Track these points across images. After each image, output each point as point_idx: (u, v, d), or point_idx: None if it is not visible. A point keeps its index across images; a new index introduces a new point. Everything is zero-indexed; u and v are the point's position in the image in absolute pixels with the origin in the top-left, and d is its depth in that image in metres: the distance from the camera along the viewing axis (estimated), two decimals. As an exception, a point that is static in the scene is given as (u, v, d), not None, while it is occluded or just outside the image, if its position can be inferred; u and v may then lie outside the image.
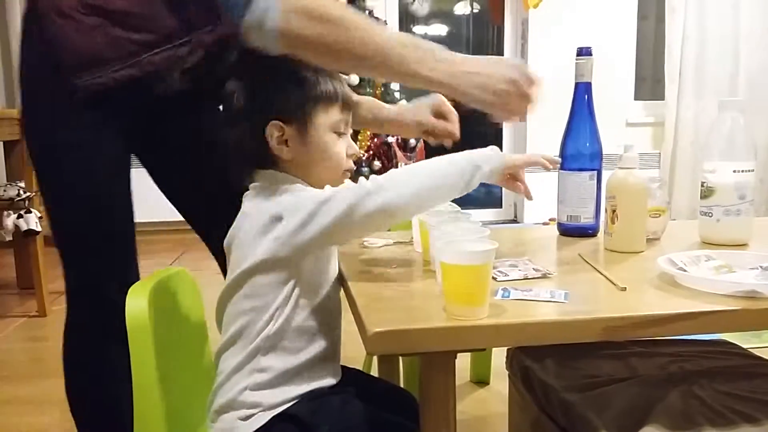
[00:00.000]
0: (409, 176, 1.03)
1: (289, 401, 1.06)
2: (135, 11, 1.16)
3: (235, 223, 1.09)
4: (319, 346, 1.09)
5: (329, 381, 1.11)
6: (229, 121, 1.13)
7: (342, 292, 1.13)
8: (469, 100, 1.14)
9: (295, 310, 1.06)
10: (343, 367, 1.18)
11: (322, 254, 1.09)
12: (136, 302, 1.04)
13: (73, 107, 1.19)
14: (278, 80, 1.11)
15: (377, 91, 4.18)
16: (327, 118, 1.12)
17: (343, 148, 1.14)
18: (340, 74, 1.17)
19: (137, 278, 1.28)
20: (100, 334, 1.29)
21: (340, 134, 1.14)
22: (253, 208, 1.07)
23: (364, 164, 4.23)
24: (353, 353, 1.38)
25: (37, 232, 2.87)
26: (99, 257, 1.29)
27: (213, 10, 1.14)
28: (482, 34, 5.69)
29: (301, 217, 0.99)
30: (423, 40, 1.13)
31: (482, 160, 1.07)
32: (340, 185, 1.07)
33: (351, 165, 1.16)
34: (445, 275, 0.89)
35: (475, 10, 5.59)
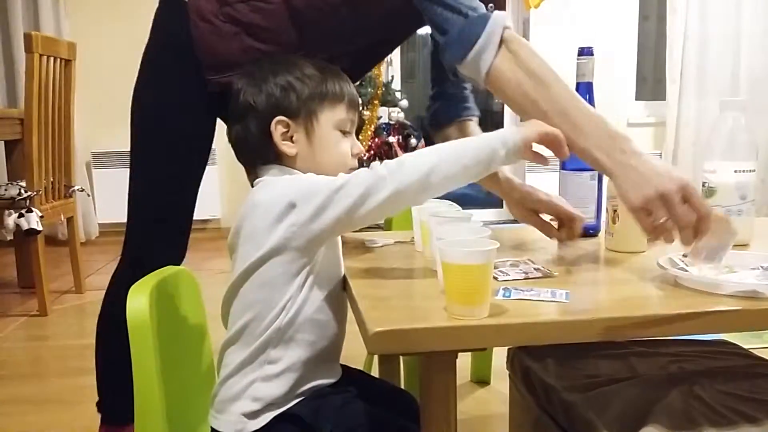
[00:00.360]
0: (422, 162, 1.00)
1: (293, 399, 1.06)
2: (264, 25, 1.31)
3: (239, 219, 1.08)
4: (327, 339, 1.09)
5: (331, 378, 1.11)
6: (236, 117, 1.14)
7: None
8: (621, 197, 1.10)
9: (306, 302, 1.06)
10: (344, 367, 1.18)
11: (334, 245, 1.11)
12: (137, 301, 1.04)
13: (193, 95, 1.36)
14: (284, 76, 1.12)
15: (378, 91, 4.19)
16: (332, 116, 1.14)
17: (348, 147, 1.16)
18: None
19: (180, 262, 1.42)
20: None
21: (345, 133, 1.15)
22: (266, 196, 1.06)
23: (365, 164, 4.23)
24: (354, 352, 1.38)
25: (38, 232, 2.87)
26: (162, 231, 1.46)
27: (328, 35, 1.32)
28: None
29: (316, 204, 1.00)
30: (611, 125, 1.12)
31: (499, 144, 1.03)
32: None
33: (355, 164, 1.16)
34: (446, 275, 0.89)
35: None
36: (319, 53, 1.23)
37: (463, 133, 1.52)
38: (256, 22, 1.30)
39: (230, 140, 1.16)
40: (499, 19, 1.16)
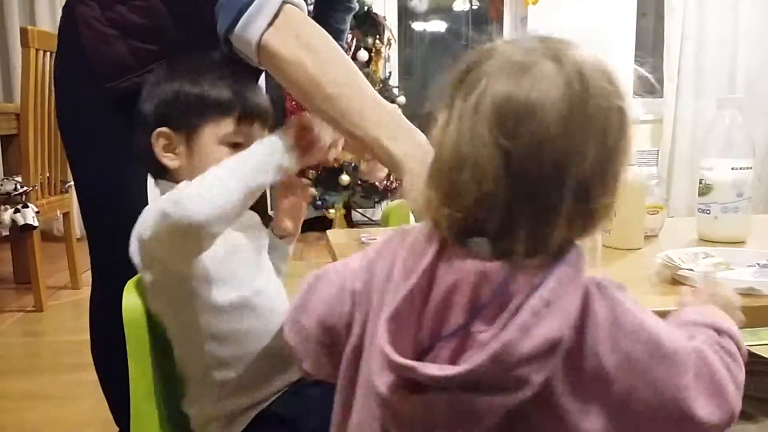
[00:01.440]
0: (209, 186, 0.90)
1: (268, 398, 1.04)
2: (144, 23, 1.24)
3: None
4: (268, 344, 1.03)
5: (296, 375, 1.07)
6: (135, 126, 1.09)
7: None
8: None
9: (215, 321, 1.01)
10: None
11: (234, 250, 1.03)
12: (132, 298, 1.03)
13: (103, 107, 1.28)
14: (174, 84, 1.06)
15: (375, 88, 4.17)
16: (216, 129, 1.05)
17: None
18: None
19: None
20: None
21: (234, 145, 1.05)
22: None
23: (352, 161, 4.23)
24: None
25: (34, 227, 2.86)
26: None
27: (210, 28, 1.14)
28: (481, 31, 5.68)
29: (148, 237, 0.93)
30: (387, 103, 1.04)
31: (276, 152, 0.97)
32: None
33: None
34: None
35: (474, 7, 5.58)
36: (214, 49, 1.13)
37: None
38: (137, 21, 1.24)
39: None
40: None
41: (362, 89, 1.02)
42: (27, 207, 2.84)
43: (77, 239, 3.36)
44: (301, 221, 1.22)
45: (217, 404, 1.03)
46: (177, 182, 1.02)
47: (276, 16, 1.02)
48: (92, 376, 2.29)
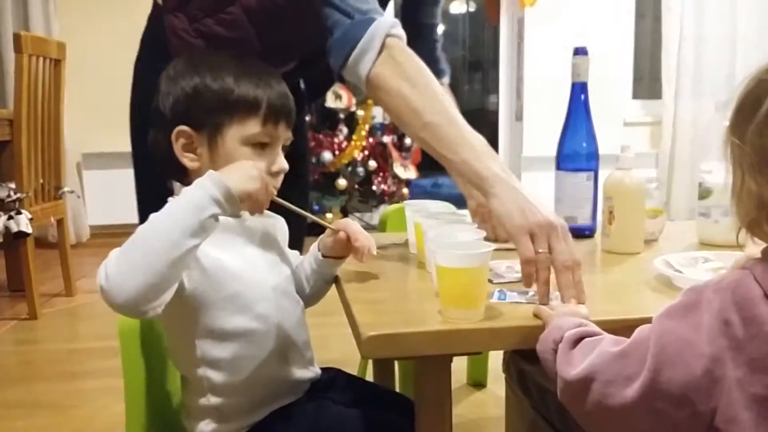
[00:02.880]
0: (143, 257, 0.84)
1: (260, 415, 1.03)
2: (228, 36, 1.27)
3: None
4: (265, 374, 1.02)
5: (293, 396, 1.06)
6: (151, 122, 1.05)
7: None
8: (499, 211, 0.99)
9: (213, 364, 0.99)
10: (332, 371, 1.16)
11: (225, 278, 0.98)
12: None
13: None
14: (193, 79, 1.01)
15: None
16: (241, 130, 1.00)
17: (262, 165, 1.00)
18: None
19: None
20: None
21: (259, 147, 1.02)
22: None
23: (359, 164, 4.22)
24: (348, 356, 1.37)
25: (28, 234, 2.83)
26: None
27: (284, 39, 1.29)
28: (478, 33, 5.69)
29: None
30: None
31: (207, 200, 0.87)
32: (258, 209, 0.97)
33: (275, 183, 1.03)
34: (440, 278, 0.87)
35: (471, 9, 5.58)
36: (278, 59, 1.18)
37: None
38: (222, 34, 1.26)
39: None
40: (383, 23, 1.09)
41: (455, 117, 1.06)
42: (20, 214, 2.82)
43: (71, 246, 3.34)
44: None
45: (212, 425, 1.02)
46: None
47: (381, 50, 1.09)
48: (87, 384, 2.28)
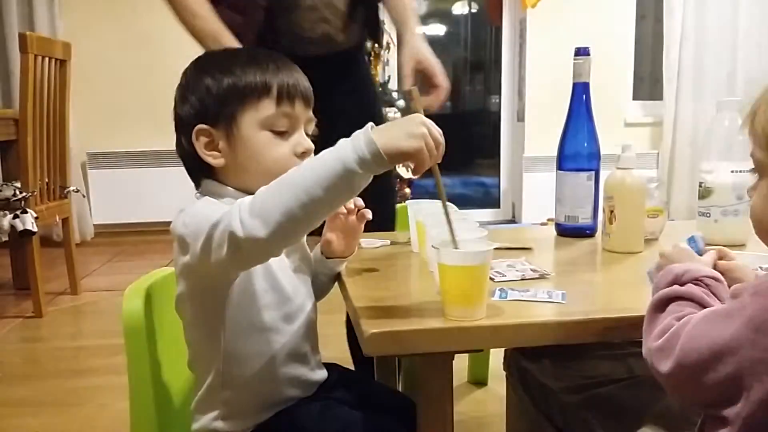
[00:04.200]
0: (278, 195, 0.83)
1: (265, 416, 1.04)
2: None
3: None
4: (280, 370, 1.03)
5: (302, 393, 1.07)
6: (175, 130, 1.05)
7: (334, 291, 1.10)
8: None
9: (236, 345, 1.00)
10: (336, 368, 1.17)
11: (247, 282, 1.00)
12: (132, 304, 1.03)
13: None
14: (203, 80, 1.01)
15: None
16: (256, 114, 1.00)
17: (286, 148, 1.01)
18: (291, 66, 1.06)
19: None
20: None
21: (280, 133, 1.01)
22: (174, 228, 0.94)
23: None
24: (348, 353, 1.38)
25: (33, 233, 2.85)
26: None
27: None
28: (480, 34, 5.69)
29: (199, 245, 0.87)
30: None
31: (352, 158, 0.81)
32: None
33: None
34: (442, 277, 0.88)
35: (473, 10, 5.58)
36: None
37: None
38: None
39: None
40: None
41: None
42: (26, 213, 2.84)
43: (76, 244, 3.35)
44: (355, 245, 1.14)
45: (217, 422, 1.03)
46: (223, 182, 1.02)
47: None
48: (92, 381, 2.29)
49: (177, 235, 0.93)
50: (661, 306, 0.79)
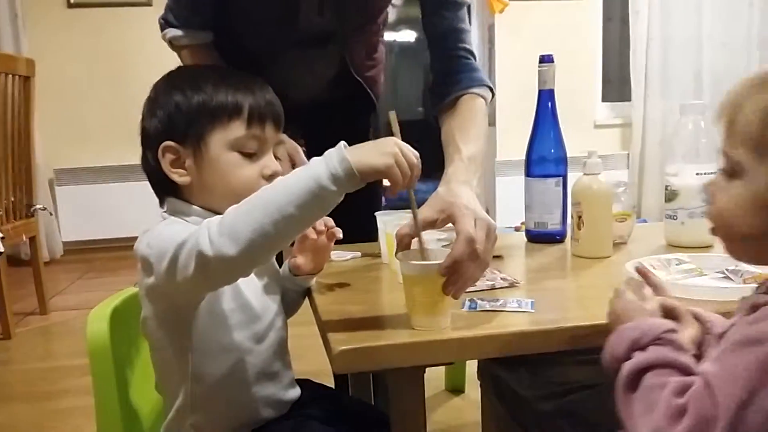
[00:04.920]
0: (249, 214, 0.81)
1: None
2: None
3: None
4: (251, 393, 1.02)
5: (275, 413, 1.05)
6: (141, 144, 1.03)
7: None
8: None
9: (204, 366, 0.98)
10: (310, 384, 1.15)
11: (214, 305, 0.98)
12: (96, 327, 1.01)
13: None
14: (173, 96, 1.00)
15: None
16: (225, 134, 0.98)
17: (254, 170, 1.00)
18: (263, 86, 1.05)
19: None
20: None
21: (249, 154, 1.00)
22: (137, 249, 0.92)
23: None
24: (323, 366, 1.36)
25: (0, 253, 2.80)
26: None
27: None
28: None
29: (165, 266, 0.86)
30: None
31: (325, 175, 0.80)
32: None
33: None
34: (405, 286, 0.88)
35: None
36: None
37: (470, 114, 1.31)
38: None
39: None
40: None
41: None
42: (-8, 232, 2.78)
43: (45, 263, 3.29)
44: (324, 262, 1.13)
45: None
46: (188, 201, 1.00)
47: None
48: (64, 403, 2.25)
49: (140, 256, 0.91)
50: (634, 383, 0.70)
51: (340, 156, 0.80)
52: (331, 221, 1.08)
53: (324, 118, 1.50)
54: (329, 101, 1.51)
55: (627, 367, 0.71)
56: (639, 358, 0.70)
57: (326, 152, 0.82)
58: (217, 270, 0.82)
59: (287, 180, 0.82)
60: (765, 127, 0.69)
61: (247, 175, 0.99)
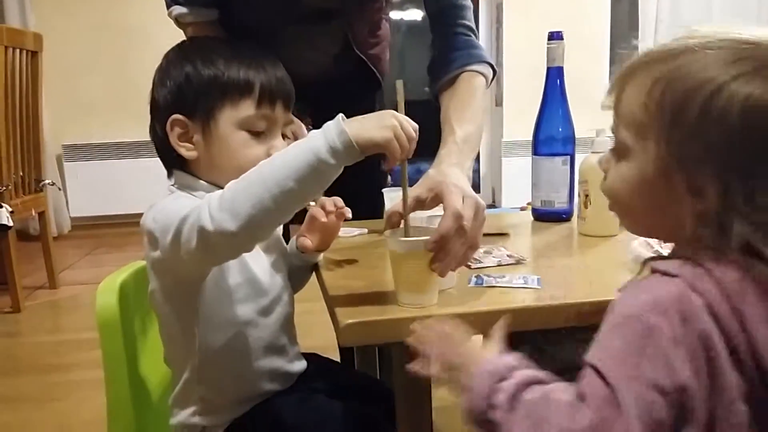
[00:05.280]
0: (248, 188, 0.81)
1: (242, 409, 1.03)
2: None
3: None
4: (258, 365, 1.03)
5: (280, 386, 1.06)
6: (150, 114, 1.03)
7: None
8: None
9: (209, 339, 0.99)
10: (315, 357, 1.17)
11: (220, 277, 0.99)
12: (105, 299, 1.02)
13: None
14: (185, 67, 0.99)
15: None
16: (235, 113, 0.98)
17: (261, 150, 0.99)
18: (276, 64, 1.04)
19: None
20: None
21: (257, 134, 1.00)
22: (143, 222, 0.93)
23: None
24: (330, 342, 1.37)
25: (9, 227, 2.82)
26: None
27: None
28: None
29: (169, 240, 0.86)
30: None
31: (324, 148, 0.80)
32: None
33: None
34: (391, 262, 0.90)
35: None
36: None
37: (468, 93, 1.29)
38: None
39: None
40: None
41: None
42: (1, 207, 2.80)
43: (54, 238, 3.31)
44: (332, 241, 1.12)
45: (195, 417, 1.02)
46: (195, 174, 1.00)
47: None
48: (72, 376, 2.28)
49: (146, 230, 0.91)
50: (512, 404, 0.65)
51: (339, 129, 0.80)
52: (340, 201, 1.08)
53: (330, 95, 1.50)
54: (334, 79, 1.50)
55: (499, 396, 0.66)
56: (509, 383, 0.67)
57: (324, 125, 0.82)
58: (218, 245, 0.82)
59: (286, 154, 0.82)
60: (645, 110, 0.68)
61: (255, 155, 0.98)
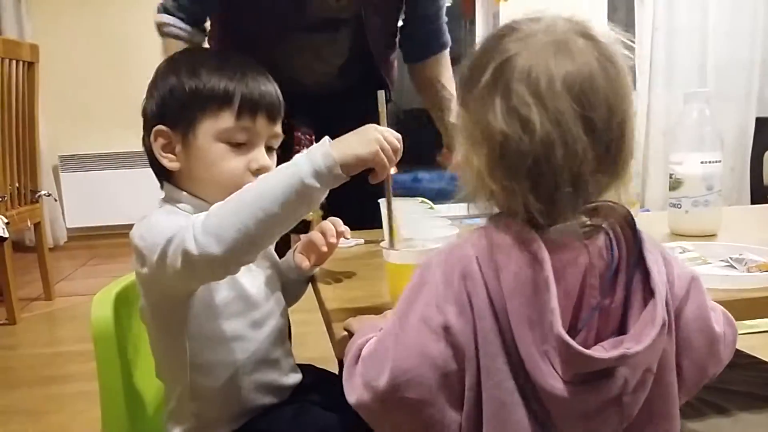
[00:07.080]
0: (234, 213, 0.81)
1: (237, 423, 1.02)
2: None
3: None
4: (251, 380, 1.02)
5: (275, 399, 1.05)
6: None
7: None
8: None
9: (200, 355, 0.98)
10: (311, 369, 1.16)
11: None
12: (101, 310, 1.02)
13: None
14: (170, 79, 0.99)
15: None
16: (214, 124, 0.96)
17: (241, 162, 0.97)
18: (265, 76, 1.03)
19: None
20: None
21: (237, 145, 0.98)
22: (132, 236, 0.91)
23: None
24: (326, 353, 1.36)
25: (5, 239, 2.81)
26: None
27: None
28: (454, 28, 5.69)
29: (154, 259, 0.86)
30: None
31: (308, 172, 0.81)
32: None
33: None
34: (387, 275, 0.91)
35: (447, 4, 5.58)
36: None
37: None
38: None
39: None
40: None
41: None
42: (-3, 218, 2.79)
43: (50, 249, 3.30)
44: (328, 257, 1.10)
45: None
46: (178, 186, 1.00)
47: None
48: (68, 388, 2.26)
49: (134, 246, 0.91)
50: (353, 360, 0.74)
51: (324, 151, 0.81)
52: (340, 223, 1.08)
53: (335, 108, 1.49)
54: (340, 90, 1.50)
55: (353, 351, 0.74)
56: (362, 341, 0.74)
57: (310, 148, 0.83)
58: (203, 268, 0.83)
59: (270, 178, 0.83)
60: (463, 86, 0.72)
61: (233, 167, 0.97)
